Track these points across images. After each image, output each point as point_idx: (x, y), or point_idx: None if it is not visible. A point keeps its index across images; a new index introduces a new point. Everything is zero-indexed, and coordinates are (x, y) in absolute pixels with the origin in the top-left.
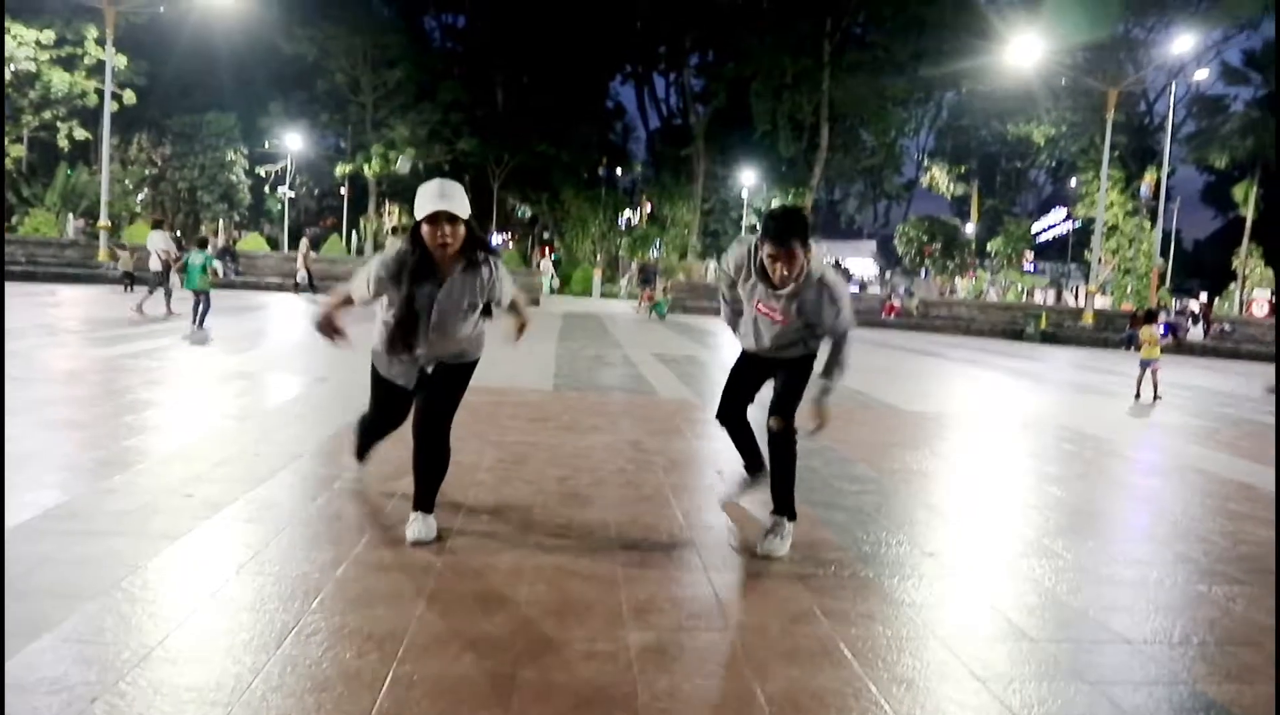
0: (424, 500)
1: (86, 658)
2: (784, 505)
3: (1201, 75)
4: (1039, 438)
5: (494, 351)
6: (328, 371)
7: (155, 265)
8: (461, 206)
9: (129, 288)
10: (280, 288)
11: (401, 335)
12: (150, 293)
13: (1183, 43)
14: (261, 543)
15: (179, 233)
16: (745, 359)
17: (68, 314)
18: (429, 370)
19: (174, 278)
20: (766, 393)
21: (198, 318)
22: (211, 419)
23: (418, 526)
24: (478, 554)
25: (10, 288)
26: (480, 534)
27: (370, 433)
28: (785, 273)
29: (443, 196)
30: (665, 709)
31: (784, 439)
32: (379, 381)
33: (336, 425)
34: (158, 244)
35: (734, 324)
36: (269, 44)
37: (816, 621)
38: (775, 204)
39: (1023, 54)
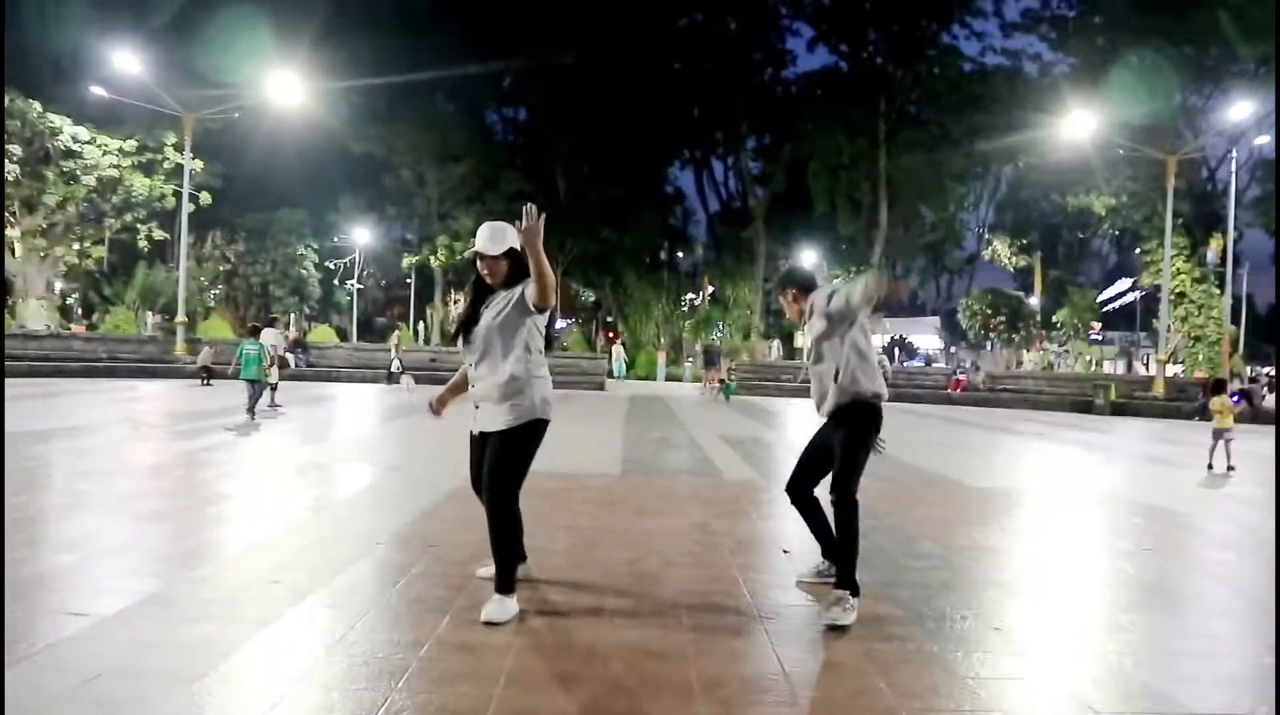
0: (500, 581)
1: None
2: (844, 580)
3: (1263, 140)
4: (1109, 512)
5: (562, 437)
6: (399, 461)
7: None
8: (499, 245)
9: (205, 381)
10: (350, 379)
11: (457, 329)
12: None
13: (1241, 109)
14: (346, 626)
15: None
16: (817, 432)
17: (148, 408)
18: (477, 431)
19: (273, 374)
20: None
21: (265, 405)
22: (290, 510)
23: (491, 607)
24: (553, 634)
25: (93, 383)
26: (555, 614)
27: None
28: (790, 314)
29: (484, 238)
30: None
31: (841, 510)
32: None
33: (411, 514)
34: (269, 341)
35: None
36: (338, 143)
37: (881, 695)
38: (838, 282)
39: (1078, 126)
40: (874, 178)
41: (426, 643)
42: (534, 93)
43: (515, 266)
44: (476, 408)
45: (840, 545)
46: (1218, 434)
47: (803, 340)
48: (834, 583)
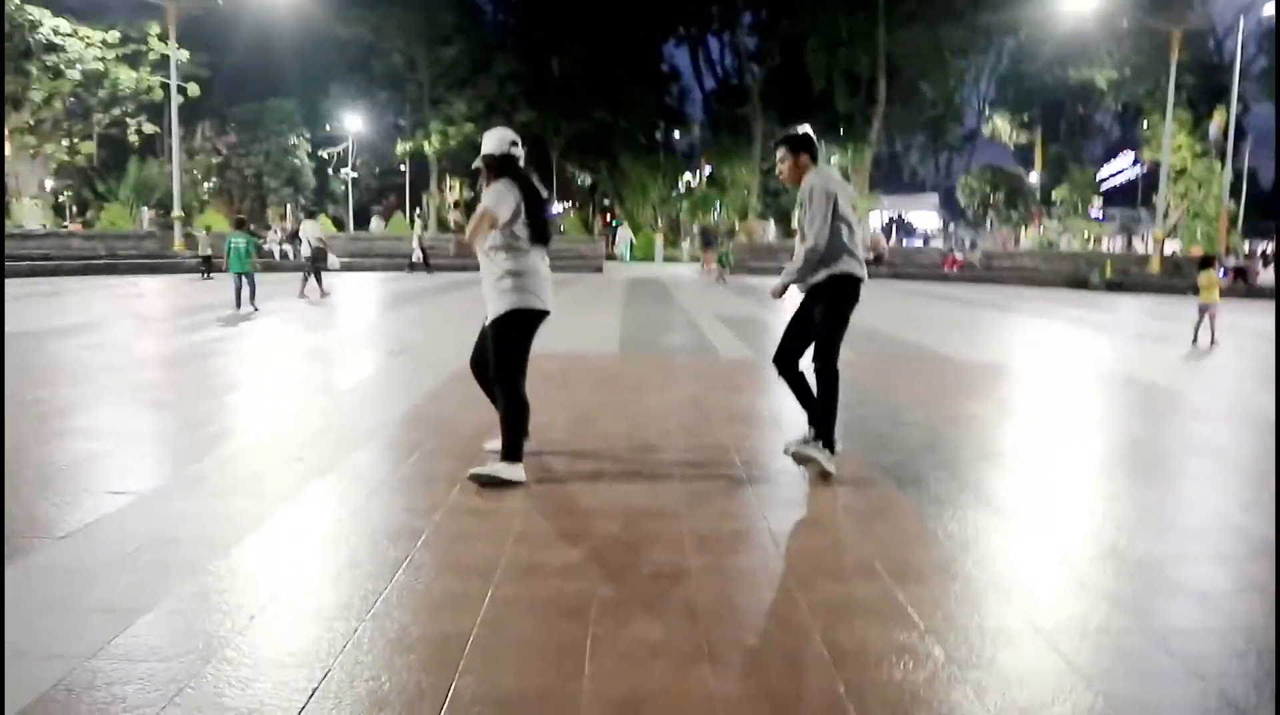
0: (506, 451)
1: (241, 585)
2: (821, 436)
3: (1270, 9)
4: (1095, 386)
5: (561, 321)
6: (401, 346)
7: (306, 252)
8: (485, 146)
9: (206, 274)
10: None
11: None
12: (306, 278)
13: None
14: (366, 496)
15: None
16: (799, 306)
17: (153, 303)
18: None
19: (332, 259)
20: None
21: (248, 298)
22: (306, 394)
23: (500, 466)
24: (557, 498)
25: (94, 280)
26: (558, 481)
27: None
28: (783, 174)
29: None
30: (720, 616)
31: (822, 377)
32: None
33: (419, 395)
34: (311, 232)
35: None
36: (325, 28)
37: (856, 546)
38: (835, 160)
39: None
40: (873, 53)
41: (440, 509)
42: None
43: (489, 174)
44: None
45: (820, 410)
46: (1203, 309)
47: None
48: (814, 434)
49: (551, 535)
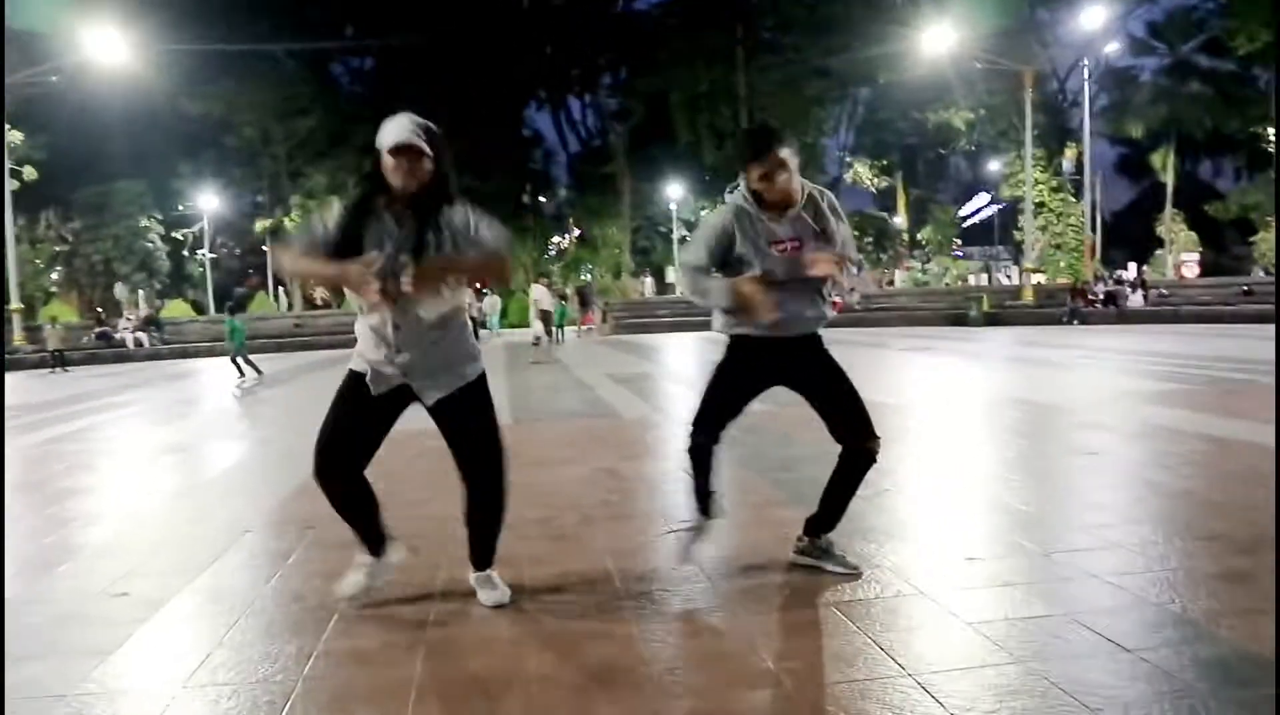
0: (485, 555)
1: None
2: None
3: (1112, 48)
4: (994, 412)
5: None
6: (270, 433)
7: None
8: (425, 137)
9: (56, 366)
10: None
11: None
12: (540, 341)
13: (1089, 17)
14: (211, 644)
15: (100, 308)
16: (739, 359)
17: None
18: (381, 390)
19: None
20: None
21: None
22: (145, 499)
23: (489, 592)
24: (469, 625)
25: None
26: (466, 597)
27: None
28: (786, 186)
29: (403, 127)
30: None
31: (870, 460)
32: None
33: (283, 492)
34: (540, 295)
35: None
36: (171, 106)
37: (881, 661)
38: (705, 213)
39: (934, 43)
40: (735, 106)
41: (313, 654)
42: (378, 38)
43: (439, 171)
44: (392, 363)
45: (846, 492)
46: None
47: (764, 232)
48: (824, 529)
49: (469, 687)
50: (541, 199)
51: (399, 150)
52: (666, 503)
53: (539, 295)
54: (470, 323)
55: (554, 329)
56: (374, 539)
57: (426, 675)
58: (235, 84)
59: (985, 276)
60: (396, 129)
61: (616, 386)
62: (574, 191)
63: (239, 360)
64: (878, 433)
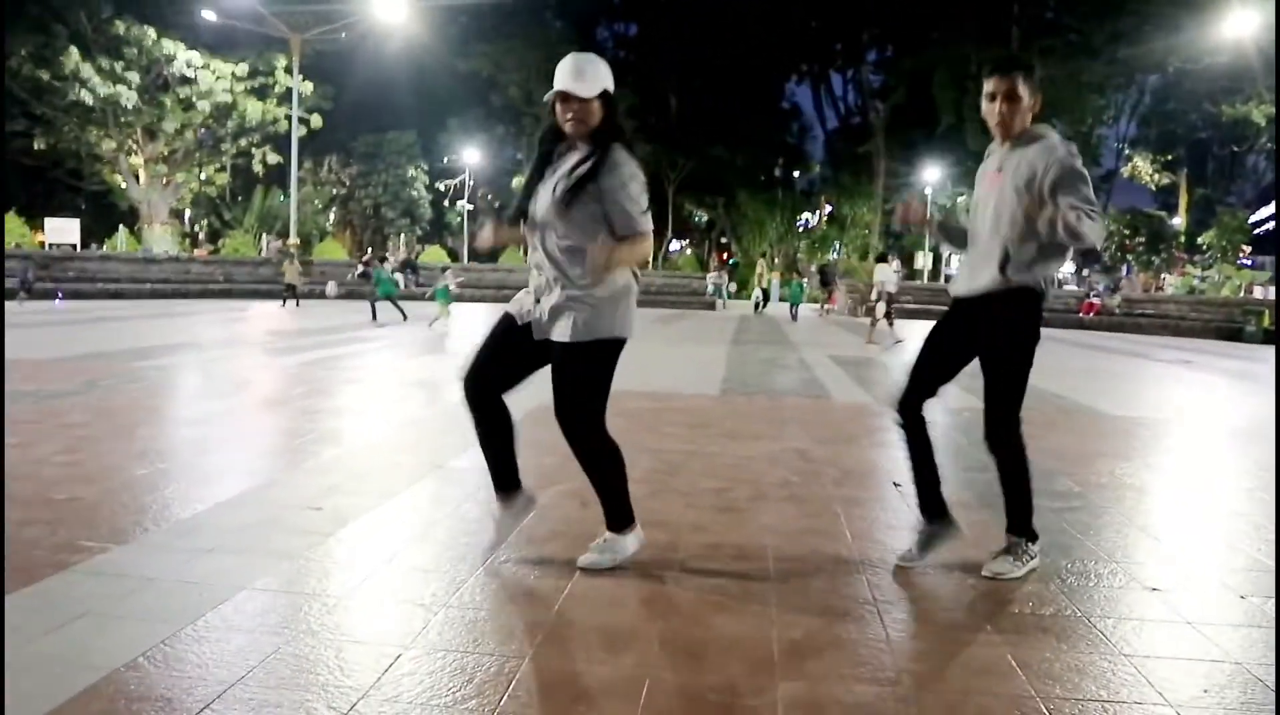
0: (610, 517)
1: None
2: (1018, 523)
3: None
4: (1266, 448)
5: (660, 357)
6: None
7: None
8: (590, 83)
9: (287, 301)
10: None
11: (521, 201)
12: (875, 324)
13: None
14: (381, 560)
15: (369, 248)
16: (940, 325)
17: (251, 328)
18: (523, 321)
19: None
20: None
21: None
22: (365, 428)
23: (586, 554)
24: (609, 579)
25: (207, 304)
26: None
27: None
28: (1005, 113)
29: (568, 73)
30: None
31: (1004, 446)
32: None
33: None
34: (887, 277)
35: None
36: (445, 63)
37: (1011, 676)
38: (961, 201)
39: (1237, 27)
40: None
41: (460, 588)
42: (645, 6)
43: (609, 114)
44: (537, 301)
45: (1011, 483)
46: None
47: (977, 189)
48: (1006, 525)
49: (590, 638)
50: (795, 173)
51: (560, 97)
52: (852, 489)
53: (884, 277)
54: (633, 288)
55: (792, 308)
56: (502, 477)
57: (553, 622)
58: (504, 44)
59: (1274, 290)
60: (559, 74)
61: (836, 368)
62: (827, 168)
63: (374, 304)
64: (998, 440)
